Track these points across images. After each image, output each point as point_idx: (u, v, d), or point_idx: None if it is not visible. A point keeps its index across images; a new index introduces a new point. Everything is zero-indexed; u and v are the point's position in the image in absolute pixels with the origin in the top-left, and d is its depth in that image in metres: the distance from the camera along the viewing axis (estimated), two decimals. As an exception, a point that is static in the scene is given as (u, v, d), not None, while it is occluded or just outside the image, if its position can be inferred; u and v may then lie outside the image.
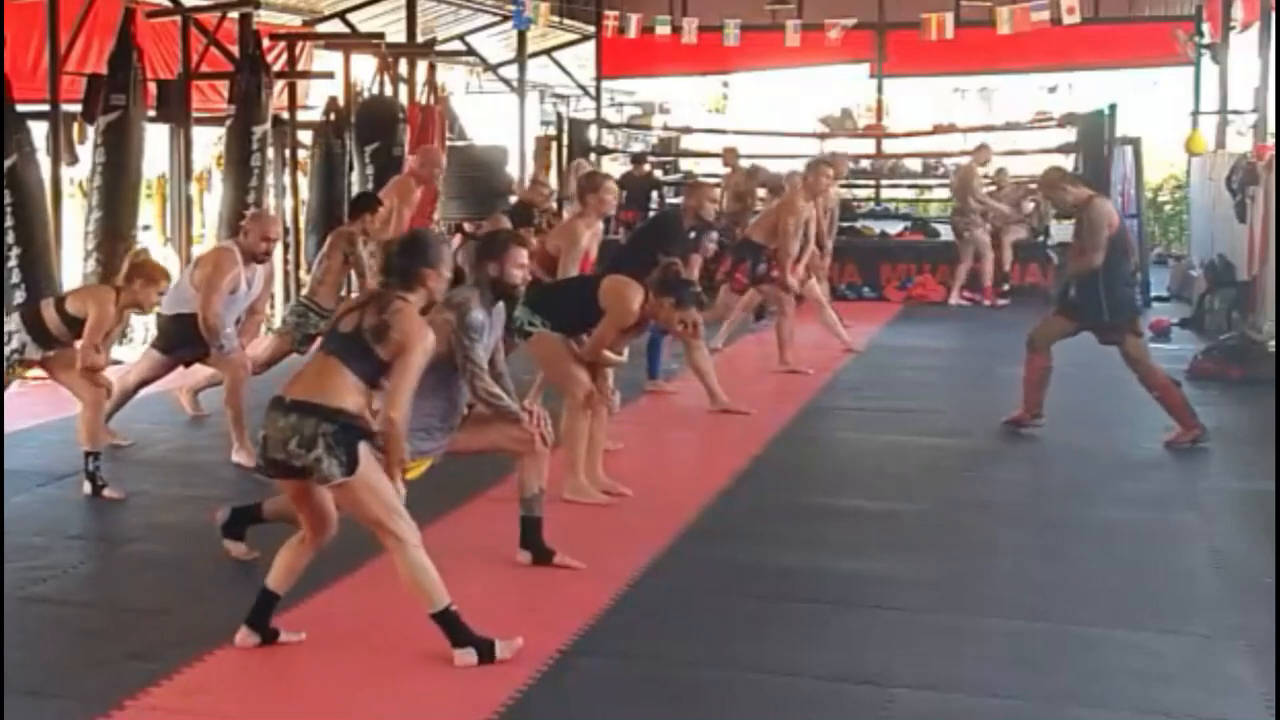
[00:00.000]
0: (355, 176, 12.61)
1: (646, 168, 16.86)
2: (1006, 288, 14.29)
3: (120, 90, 9.73)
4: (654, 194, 16.66)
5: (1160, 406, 7.79)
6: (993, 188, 14.99)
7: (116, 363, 10.68)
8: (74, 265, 11.29)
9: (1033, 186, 15.46)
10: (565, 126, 17.08)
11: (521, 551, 5.50)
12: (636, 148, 20.26)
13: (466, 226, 12.37)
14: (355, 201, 8.90)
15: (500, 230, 6.20)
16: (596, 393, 6.51)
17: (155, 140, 11.09)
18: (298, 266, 12.47)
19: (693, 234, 8.70)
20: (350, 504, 4.39)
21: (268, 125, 11.16)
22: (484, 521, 6.07)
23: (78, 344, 6.60)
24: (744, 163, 15.12)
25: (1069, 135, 15.81)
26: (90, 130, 10.43)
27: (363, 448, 4.30)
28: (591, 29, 19.41)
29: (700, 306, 6.56)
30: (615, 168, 17.37)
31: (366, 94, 13.23)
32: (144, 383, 7.70)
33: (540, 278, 7.42)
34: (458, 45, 17.74)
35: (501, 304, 5.42)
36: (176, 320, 7.39)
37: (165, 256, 10.89)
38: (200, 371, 7.96)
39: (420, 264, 4.57)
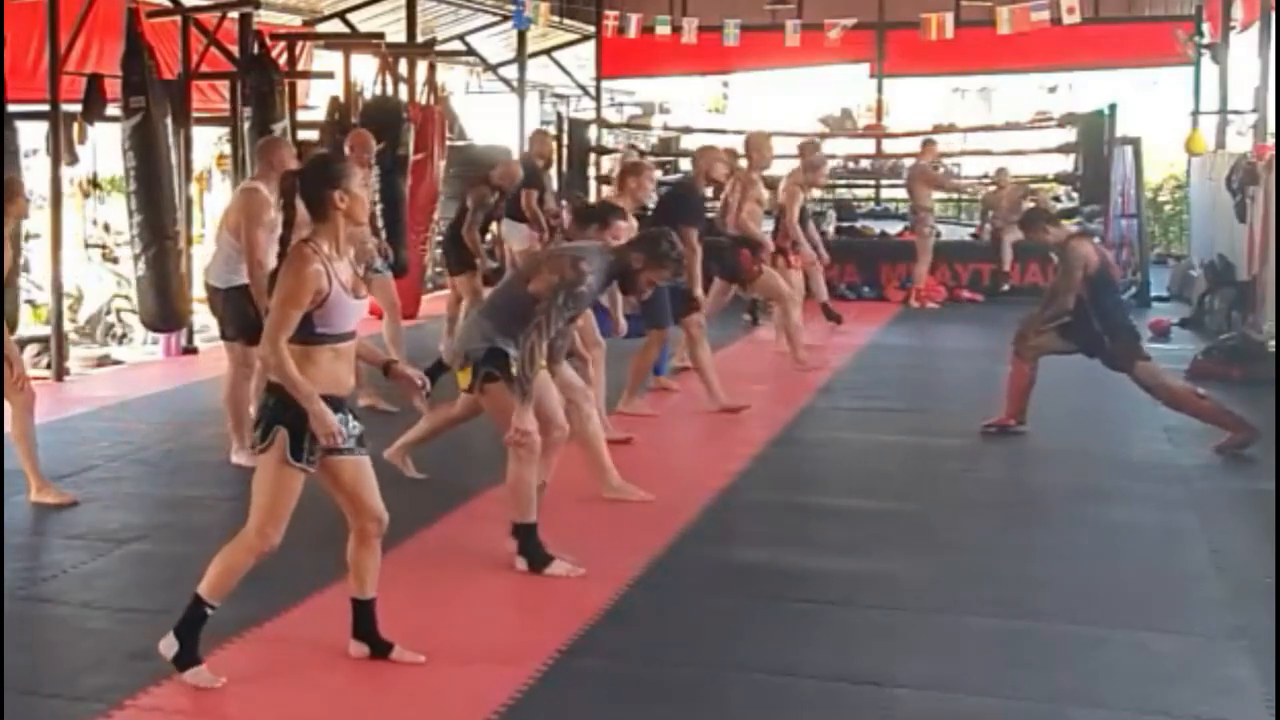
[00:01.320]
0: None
1: (646, 168, 16.81)
2: (1006, 288, 14.28)
3: (138, 92, 9.68)
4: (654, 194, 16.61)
5: (1201, 421, 7.66)
6: (992, 187, 15.00)
7: (117, 363, 10.76)
8: (75, 265, 11.32)
9: (1033, 187, 15.54)
10: (565, 126, 17.08)
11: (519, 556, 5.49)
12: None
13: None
14: None
15: (675, 249, 5.69)
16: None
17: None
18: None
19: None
20: (257, 474, 4.28)
21: (286, 122, 11.15)
22: (484, 521, 6.05)
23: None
24: (742, 162, 15.09)
25: (1069, 135, 15.81)
26: (90, 129, 10.43)
27: (282, 437, 4.10)
28: (591, 29, 19.43)
29: (595, 218, 6.35)
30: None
31: (369, 94, 13.22)
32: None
33: None
34: (458, 45, 17.74)
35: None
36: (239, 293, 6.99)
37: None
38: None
39: (325, 187, 4.18)
